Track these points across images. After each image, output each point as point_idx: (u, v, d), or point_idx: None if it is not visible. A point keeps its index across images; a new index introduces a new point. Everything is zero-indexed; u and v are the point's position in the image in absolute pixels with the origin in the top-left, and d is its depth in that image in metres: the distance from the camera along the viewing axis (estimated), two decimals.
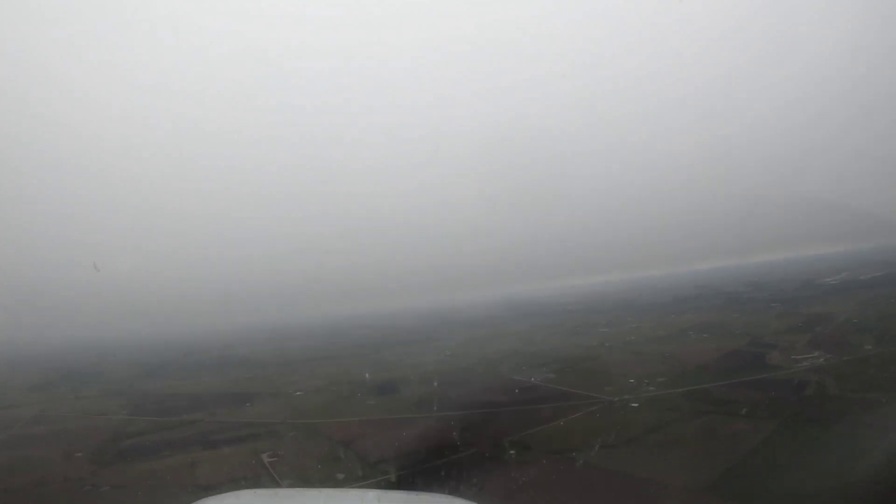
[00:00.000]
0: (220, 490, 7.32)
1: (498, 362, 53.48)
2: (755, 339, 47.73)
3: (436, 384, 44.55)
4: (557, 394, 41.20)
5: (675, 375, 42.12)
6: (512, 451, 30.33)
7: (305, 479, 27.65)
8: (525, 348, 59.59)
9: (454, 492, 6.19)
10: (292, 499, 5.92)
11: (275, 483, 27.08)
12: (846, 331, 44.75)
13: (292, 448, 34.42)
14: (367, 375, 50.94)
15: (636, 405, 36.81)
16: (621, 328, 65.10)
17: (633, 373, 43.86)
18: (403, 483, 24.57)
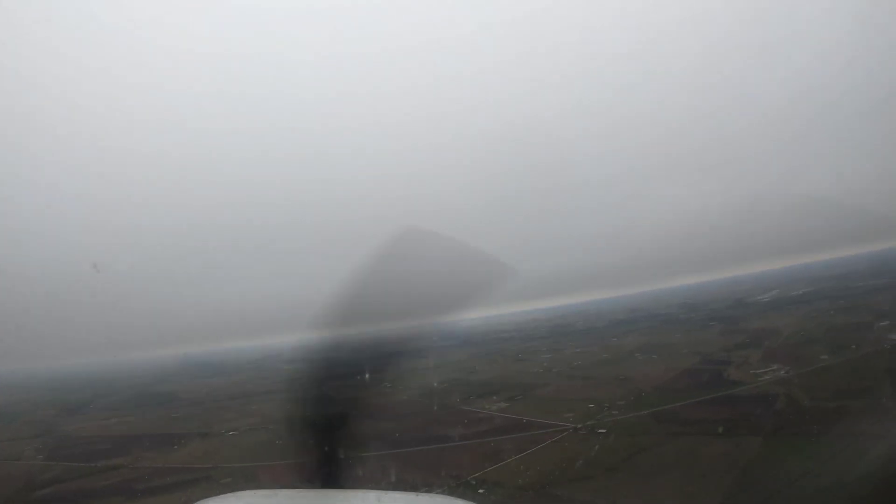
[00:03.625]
0: None
1: (443, 393, 49.20)
2: (706, 357, 46.71)
3: (380, 419, 39.93)
4: (515, 423, 37.97)
5: (636, 398, 40.06)
6: (481, 490, 26.53)
7: None
8: (469, 377, 55.94)
9: None
10: (292, 499, 5.61)
11: None
12: (796, 343, 44.54)
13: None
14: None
15: (603, 430, 34.20)
16: (564, 353, 62.97)
17: (590, 397, 41.48)
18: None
